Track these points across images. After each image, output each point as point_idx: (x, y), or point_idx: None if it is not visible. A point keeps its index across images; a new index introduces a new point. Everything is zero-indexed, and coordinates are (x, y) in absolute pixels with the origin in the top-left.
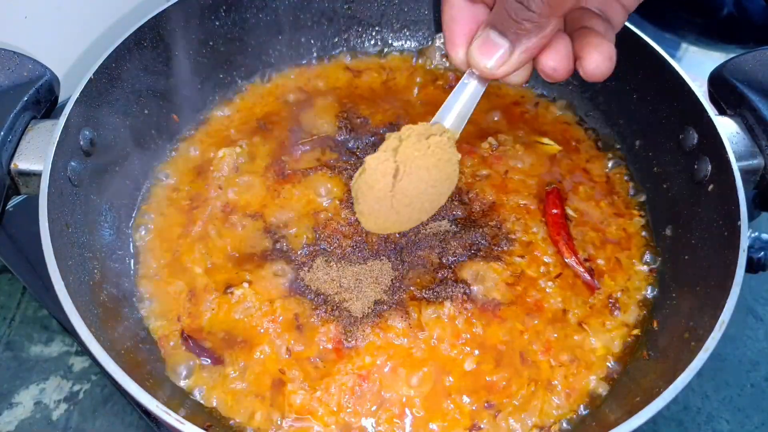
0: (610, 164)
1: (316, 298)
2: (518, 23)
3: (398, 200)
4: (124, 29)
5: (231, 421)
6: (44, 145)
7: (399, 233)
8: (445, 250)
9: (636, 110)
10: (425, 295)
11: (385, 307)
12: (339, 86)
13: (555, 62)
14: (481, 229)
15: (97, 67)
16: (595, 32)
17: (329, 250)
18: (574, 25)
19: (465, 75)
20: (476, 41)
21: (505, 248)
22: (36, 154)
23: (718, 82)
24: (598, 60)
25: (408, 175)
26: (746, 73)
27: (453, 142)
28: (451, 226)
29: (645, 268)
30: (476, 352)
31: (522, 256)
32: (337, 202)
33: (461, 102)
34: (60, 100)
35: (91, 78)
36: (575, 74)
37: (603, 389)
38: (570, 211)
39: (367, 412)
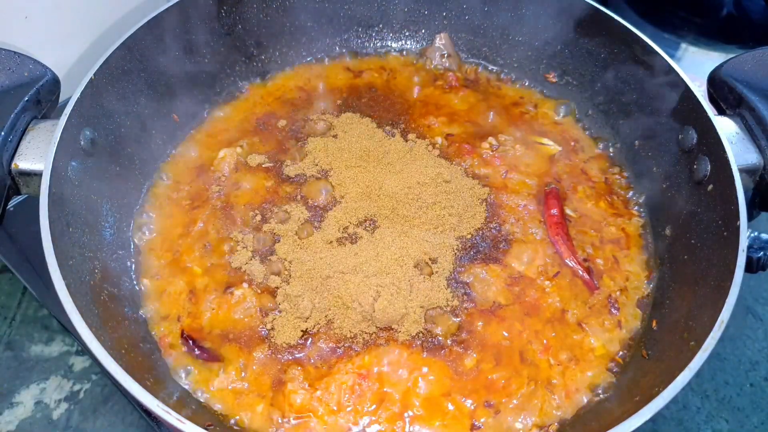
0: (609, 164)
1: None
2: None
3: None
4: (124, 29)
5: (231, 421)
6: (45, 145)
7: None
8: (445, 252)
9: (635, 110)
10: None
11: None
12: (339, 86)
13: None
14: (480, 231)
15: (97, 67)
16: None
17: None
18: None
19: None
20: None
21: (504, 249)
22: (37, 154)
23: (717, 82)
24: None
25: None
26: (745, 73)
27: None
28: (452, 230)
29: (644, 268)
30: (476, 351)
31: (521, 257)
32: (338, 201)
33: None
34: (60, 100)
35: (91, 78)
36: (574, 75)
37: (602, 388)
38: (569, 212)
39: (367, 411)
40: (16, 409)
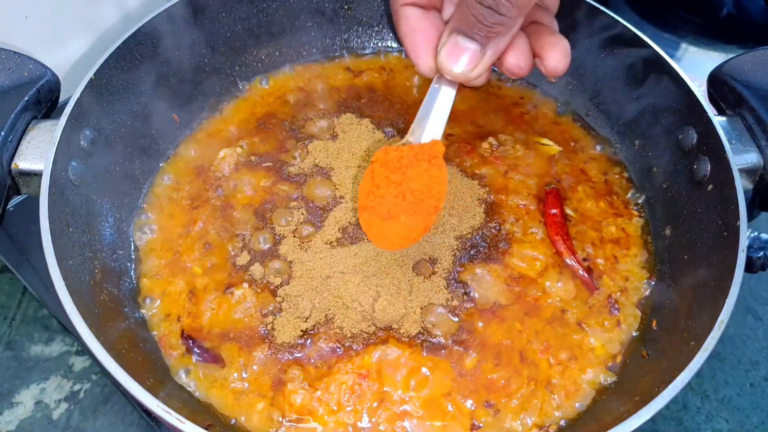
0: (609, 164)
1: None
2: (488, 27)
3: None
4: (124, 29)
5: (231, 421)
6: (45, 145)
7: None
8: (445, 252)
9: (635, 110)
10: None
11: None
12: (339, 86)
13: (520, 60)
14: (480, 231)
15: (97, 67)
16: (548, 29)
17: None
18: (525, 20)
19: (434, 81)
20: (444, 48)
21: (504, 249)
22: (37, 154)
23: (717, 82)
24: (558, 57)
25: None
26: (745, 73)
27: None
28: (451, 230)
29: (644, 268)
30: (476, 351)
31: (521, 257)
32: (338, 201)
33: (437, 110)
34: (60, 100)
35: (91, 78)
36: (575, 75)
37: (602, 388)
38: (569, 211)
39: (367, 411)
40: (16, 409)
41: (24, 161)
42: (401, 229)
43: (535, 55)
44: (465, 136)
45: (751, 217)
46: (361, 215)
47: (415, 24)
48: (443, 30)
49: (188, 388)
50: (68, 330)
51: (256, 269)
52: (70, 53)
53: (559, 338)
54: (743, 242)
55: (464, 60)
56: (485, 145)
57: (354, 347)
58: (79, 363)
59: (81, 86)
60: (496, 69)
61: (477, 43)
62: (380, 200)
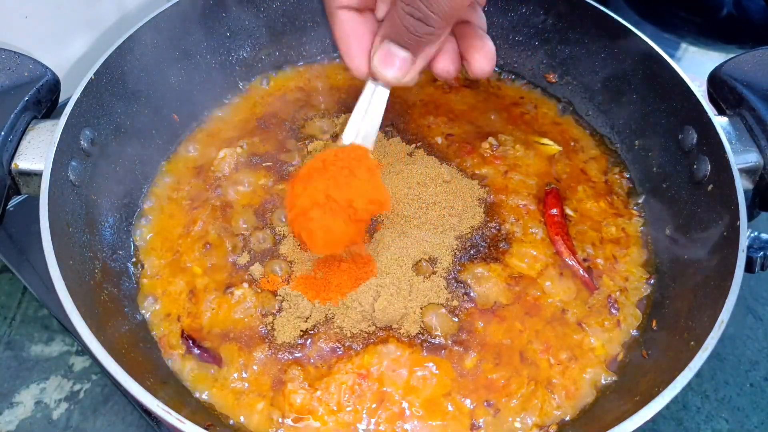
0: (609, 164)
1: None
2: (418, 37)
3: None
4: (124, 29)
5: (231, 421)
6: (45, 145)
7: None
8: (445, 252)
9: (635, 110)
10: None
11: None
12: (339, 86)
13: (447, 64)
14: (480, 231)
15: (97, 67)
16: (476, 32)
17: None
18: None
19: (367, 84)
20: (378, 54)
21: (504, 248)
22: (37, 154)
23: (717, 82)
24: (482, 62)
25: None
26: (745, 73)
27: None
28: (451, 229)
29: (644, 268)
30: (476, 351)
31: (521, 257)
32: None
33: (372, 110)
34: (60, 100)
35: (91, 78)
36: (574, 75)
37: (602, 388)
38: (569, 211)
39: (367, 411)
40: (16, 409)
41: (24, 161)
42: (327, 235)
43: (461, 57)
44: (465, 136)
45: (751, 217)
46: (294, 222)
47: (349, 29)
48: (376, 35)
49: (188, 388)
50: (68, 330)
51: (256, 269)
52: (70, 53)
53: (559, 338)
54: (743, 242)
55: (396, 66)
56: (485, 145)
57: (354, 347)
58: (79, 363)
59: (81, 86)
60: (494, 69)
61: (408, 51)
62: (305, 207)
